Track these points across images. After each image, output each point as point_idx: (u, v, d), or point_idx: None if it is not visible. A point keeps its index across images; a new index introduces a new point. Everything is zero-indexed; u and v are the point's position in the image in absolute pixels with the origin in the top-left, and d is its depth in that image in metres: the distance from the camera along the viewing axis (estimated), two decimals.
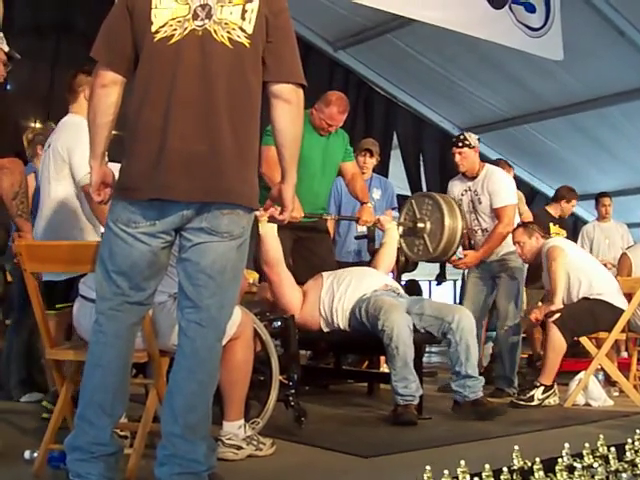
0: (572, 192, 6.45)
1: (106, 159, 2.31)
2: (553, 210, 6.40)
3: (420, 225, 4.69)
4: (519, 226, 4.84)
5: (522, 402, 4.31)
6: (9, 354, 4.18)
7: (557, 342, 4.34)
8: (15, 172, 2.84)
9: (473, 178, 4.82)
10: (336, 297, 4.01)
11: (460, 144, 4.78)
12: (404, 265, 5.09)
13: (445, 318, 3.79)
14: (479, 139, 4.93)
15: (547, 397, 4.35)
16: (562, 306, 4.43)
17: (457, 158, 4.79)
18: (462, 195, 4.87)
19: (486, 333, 5.54)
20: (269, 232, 3.94)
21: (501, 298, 4.83)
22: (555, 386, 4.40)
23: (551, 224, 6.05)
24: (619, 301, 4.50)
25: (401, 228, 4.69)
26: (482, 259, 4.81)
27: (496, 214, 4.73)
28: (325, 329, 4.07)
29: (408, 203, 4.85)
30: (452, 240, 4.59)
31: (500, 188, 4.74)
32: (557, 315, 4.35)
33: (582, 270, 4.59)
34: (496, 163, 5.69)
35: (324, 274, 4.21)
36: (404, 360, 3.61)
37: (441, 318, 3.81)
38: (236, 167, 2.15)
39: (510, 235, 4.76)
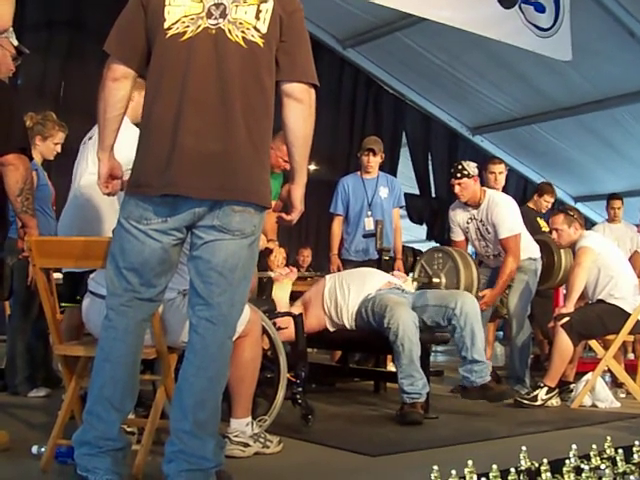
0: (548, 186, 6.29)
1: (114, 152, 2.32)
2: (533, 205, 6.23)
3: (435, 280, 4.58)
4: (560, 212, 4.72)
5: (526, 401, 4.31)
6: (14, 351, 4.19)
7: (564, 345, 4.33)
8: (20, 168, 2.82)
9: (477, 206, 4.76)
10: (340, 297, 4.01)
11: (459, 175, 4.68)
12: (412, 267, 5.10)
13: (448, 305, 3.79)
14: (478, 167, 4.83)
15: (550, 398, 4.35)
16: (572, 310, 4.41)
17: (457, 189, 4.71)
18: (468, 223, 4.83)
19: (494, 334, 5.51)
20: (281, 296, 3.88)
21: (512, 299, 4.83)
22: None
23: (538, 219, 5.95)
24: (634, 305, 4.45)
25: (415, 284, 4.55)
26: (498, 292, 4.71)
27: (502, 245, 4.67)
28: (331, 329, 4.07)
29: (419, 265, 4.70)
30: (470, 285, 4.48)
31: (503, 219, 4.66)
32: (566, 319, 4.35)
33: (613, 268, 4.53)
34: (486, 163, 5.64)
35: (327, 276, 4.24)
36: (410, 357, 3.61)
37: (445, 305, 3.81)
38: (249, 165, 2.15)
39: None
